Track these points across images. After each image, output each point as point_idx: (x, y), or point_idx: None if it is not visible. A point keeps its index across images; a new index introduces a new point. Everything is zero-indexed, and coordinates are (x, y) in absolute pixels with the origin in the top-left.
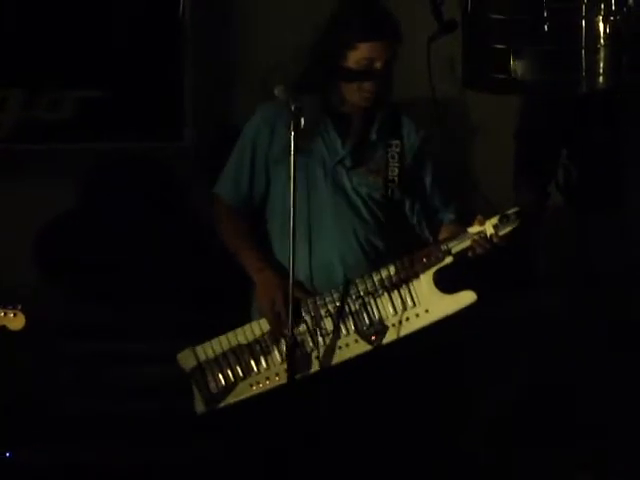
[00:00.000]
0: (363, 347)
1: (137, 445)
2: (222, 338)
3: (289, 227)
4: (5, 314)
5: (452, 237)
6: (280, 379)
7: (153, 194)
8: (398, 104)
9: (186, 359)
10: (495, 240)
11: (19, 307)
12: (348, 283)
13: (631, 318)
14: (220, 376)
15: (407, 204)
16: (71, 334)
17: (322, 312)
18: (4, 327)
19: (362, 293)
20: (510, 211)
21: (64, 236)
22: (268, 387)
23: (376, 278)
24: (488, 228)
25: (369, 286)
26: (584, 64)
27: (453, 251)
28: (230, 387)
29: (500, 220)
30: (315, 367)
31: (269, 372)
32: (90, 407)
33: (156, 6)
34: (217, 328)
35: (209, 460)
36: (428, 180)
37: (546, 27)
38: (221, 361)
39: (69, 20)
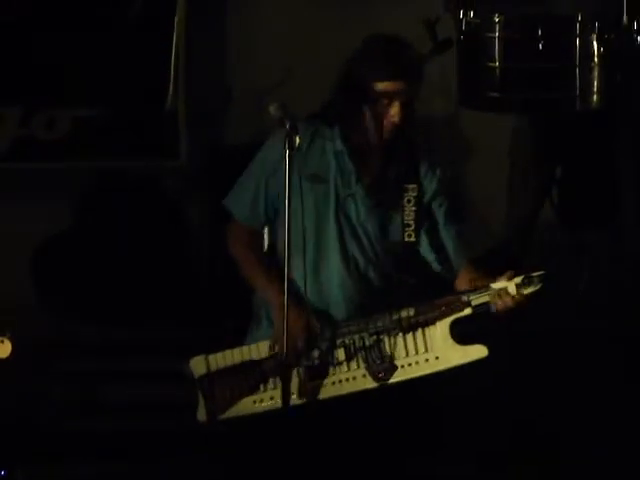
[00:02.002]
0: (369, 383)
1: (134, 463)
2: (236, 350)
3: (287, 250)
4: None
5: (474, 289)
6: None
7: (148, 211)
8: (418, 144)
9: (197, 365)
10: (517, 298)
11: (7, 334)
12: (366, 316)
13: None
14: (227, 388)
15: (423, 244)
16: (67, 352)
17: (337, 342)
18: None
19: (378, 329)
20: (535, 273)
21: (61, 254)
22: (271, 407)
23: (394, 317)
24: (510, 286)
25: (386, 323)
26: (578, 82)
27: (473, 303)
28: (234, 401)
29: (523, 280)
30: (321, 395)
31: (275, 392)
32: (86, 425)
33: (151, 25)
34: (215, 345)
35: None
36: (443, 218)
37: (540, 45)
38: (231, 373)
39: (65, 40)
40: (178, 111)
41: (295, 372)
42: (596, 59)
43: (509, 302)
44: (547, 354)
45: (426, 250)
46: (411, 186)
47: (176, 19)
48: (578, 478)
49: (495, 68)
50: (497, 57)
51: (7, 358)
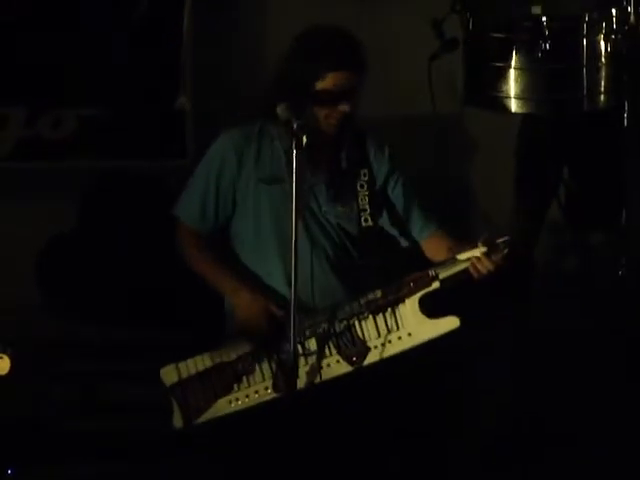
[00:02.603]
0: (344, 368)
1: (134, 464)
2: (205, 356)
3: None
4: None
5: (441, 263)
6: (259, 396)
7: (154, 211)
8: (362, 128)
9: (168, 375)
10: (487, 265)
11: (8, 351)
12: (334, 305)
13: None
14: (200, 393)
15: (385, 223)
16: (71, 353)
17: (307, 332)
18: None
19: (347, 315)
20: (499, 240)
21: (66, 254)
22: (247, 404)
23: (363, 301)
24: (476, 256)
25: (355, 308)
26: (585, 83)
27: (440, 277)
28: (209, 403)
29: (489, 249)
30: (297, 385)
31: (249, 390)
32: (86, 425)
33: (158, 24)
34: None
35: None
36: (402, 194)
37: (547, 46)
38: (203, 378)
39: (70, 39)
40: (185, 110)
41: (267, 367)
42: (603, 59)
43: (483, 268)
44: (551, 354)
45: (390, 228)
46: (362, 171)
47: (184, 18)
48: (580, 477)
49: (502, 68)
50: (503, 57)
51: (6, 375)
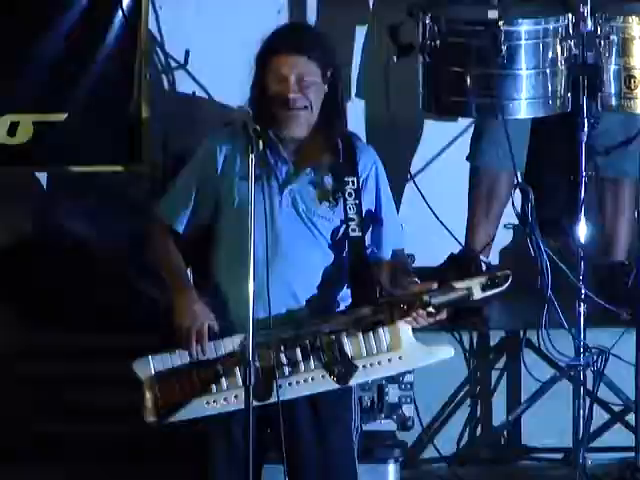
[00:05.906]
0: (330, 384)
1: (104, 467)
2: (183, 351)
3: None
4: None
5: (437, 289)
6: (238, 402)
7: (111, 217)
8: (351, 136)
9: (142, 367)
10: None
11: None
12: (318, 317)
13: None
14: (175, 389)
15: (366, 236)
16: (28, 357)
17: (291, 342)
18: None
19: (333, 329)
20: (499, 273)
21: (20, 259)
22: (224, 408)
23: (351, 316)
24: (475, 287)
25: (342, 323)
26: (542, 88)
27: (434, 302)
28: (185, 402)
29: (487, 280)
30: (277, 397)
31: (228, 393)
32: (54, 430)
33: (115, 30)
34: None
35: None
36: (383, 210)
37: (503, 51)
38: (179, 374)
39: (27, 45)
40: (141, 116)
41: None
42: (559, 64)
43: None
44: None
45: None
46: (350, 179)
47: (140, 24)
48: None
49: (458, 73)
50: (461, 62)
51: None
